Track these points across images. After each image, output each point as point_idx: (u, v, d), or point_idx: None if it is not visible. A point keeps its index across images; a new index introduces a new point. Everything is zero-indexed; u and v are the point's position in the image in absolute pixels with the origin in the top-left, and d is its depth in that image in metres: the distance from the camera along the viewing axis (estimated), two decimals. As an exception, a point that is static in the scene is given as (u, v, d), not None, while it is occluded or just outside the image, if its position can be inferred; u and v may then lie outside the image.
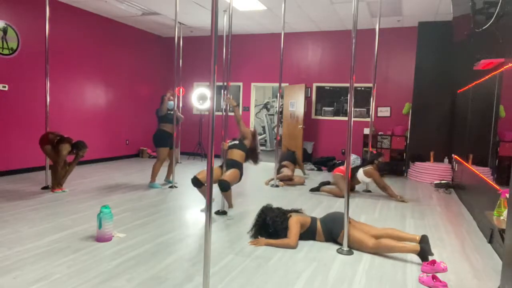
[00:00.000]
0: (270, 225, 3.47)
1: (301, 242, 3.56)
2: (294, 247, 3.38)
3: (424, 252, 3.11)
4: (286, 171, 6.50)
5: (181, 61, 8.58)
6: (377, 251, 3.28)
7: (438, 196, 5.93)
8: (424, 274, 2.87)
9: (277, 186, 6.18)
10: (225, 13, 6.38)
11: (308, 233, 3.58)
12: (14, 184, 5.65)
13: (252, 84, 9.32)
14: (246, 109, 9.43)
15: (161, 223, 4.03)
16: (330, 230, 3.55)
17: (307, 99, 8.63)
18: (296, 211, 3.72)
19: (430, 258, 3.15)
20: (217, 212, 4.46)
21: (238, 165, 4.47)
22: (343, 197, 4.29)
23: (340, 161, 8.11)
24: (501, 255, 3.27)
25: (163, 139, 5.81)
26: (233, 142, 4.69)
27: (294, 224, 3.46)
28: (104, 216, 3.37)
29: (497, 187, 3.60)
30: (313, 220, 3.64)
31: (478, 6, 3.53)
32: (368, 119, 7.69)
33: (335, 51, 8.49)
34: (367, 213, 4.68)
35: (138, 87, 9.12)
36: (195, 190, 5.50)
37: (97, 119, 8.03)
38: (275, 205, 3.70)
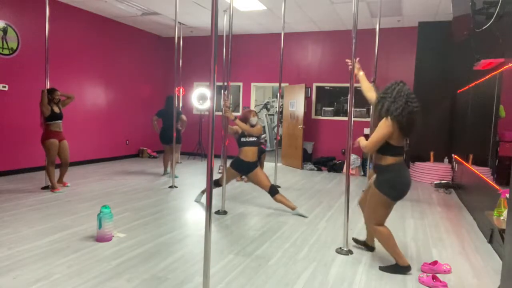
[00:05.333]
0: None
1: (301, 242, 3.57)
2: (370, 152, 3.03)
3: None
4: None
5: (181, 61, 8.58)
6: None
7: (438, 196, 5.93)
8: (424, 274, 2.87)
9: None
10: (225, 13, 6.39)
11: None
12: (14, 184, 5.65)
13: (252, 84, 9.31)
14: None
15: (161, 223, 4.03)
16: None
17: (307, 99, 8.63)
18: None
19: (432, 259, 3.15)
20: (217, 212, 4.46)
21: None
22: None
23: (340, 161, 8.10)
24: (501, 255, 3.27)
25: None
26: (249, 139, 4.65)
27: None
28: (104, 216, 3.38)
29: (497, 187, 3.60)
30: None
31: (478, 6, 3.54)
32: (368, 119, 7.69)
33: (335, 51, 8.48)
34: (367, 213, 4.68)
35: (138, 87, 9.12)
36: (194, 190, 5.55)
37: (97, 119, 8.02)
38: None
